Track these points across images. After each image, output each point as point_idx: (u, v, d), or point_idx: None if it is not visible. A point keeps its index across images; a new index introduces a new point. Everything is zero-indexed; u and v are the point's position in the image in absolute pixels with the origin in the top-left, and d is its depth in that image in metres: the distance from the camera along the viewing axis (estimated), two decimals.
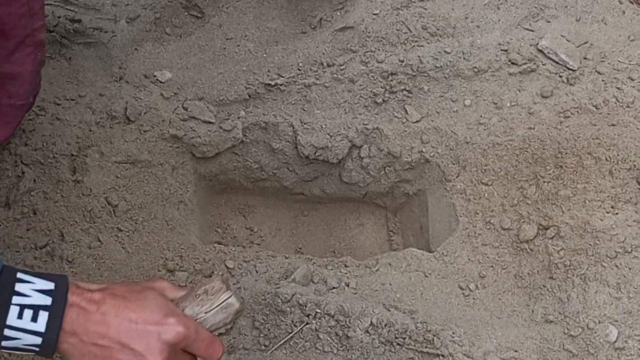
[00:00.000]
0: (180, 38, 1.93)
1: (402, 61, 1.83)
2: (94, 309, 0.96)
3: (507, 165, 1.72)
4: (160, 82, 1.82)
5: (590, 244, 1.56)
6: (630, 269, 1.53)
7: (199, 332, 1.01)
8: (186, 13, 1.96)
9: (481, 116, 1.79)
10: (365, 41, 1.86)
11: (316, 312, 1.49)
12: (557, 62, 1.84)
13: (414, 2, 1.91)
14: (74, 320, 0.95)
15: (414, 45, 1.86)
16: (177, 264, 1.57)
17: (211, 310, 1.04)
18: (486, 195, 1.71)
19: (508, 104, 1.80)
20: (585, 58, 1.84)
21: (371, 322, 1.48)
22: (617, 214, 1.60)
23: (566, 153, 1.68)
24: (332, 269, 1.62)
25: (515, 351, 1.48)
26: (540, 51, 1.85)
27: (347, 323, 1.48)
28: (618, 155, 1.66)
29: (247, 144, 1.83)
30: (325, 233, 2.00)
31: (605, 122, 1.73)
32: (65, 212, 1.59)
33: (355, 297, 1.54)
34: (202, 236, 1.77)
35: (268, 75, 1.83)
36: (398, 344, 1.47)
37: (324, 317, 1.48)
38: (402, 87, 1.82)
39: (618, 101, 1.77)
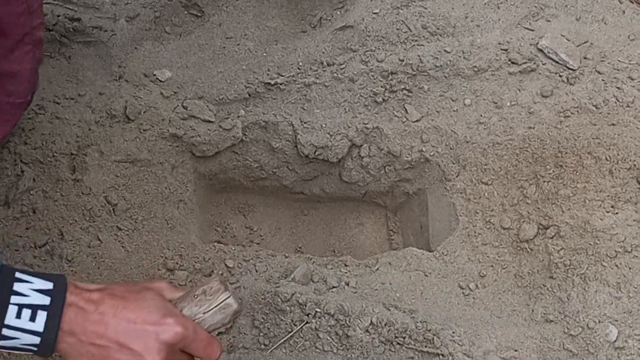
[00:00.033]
0: (180, 37, 1.92)
1: (402, 60, 1.83)
2: (93, 309, 0.96)
3: (507, 165, 1.72)
4: (160, 81, 1.82)
5: (590, 244, 1.56)
6: (630, 268, 1.53)
7: (197, 332, 1.01)
8: (186, 12, 1.96)
9: (481, 115, 1.79)
10: (365, 40, 1.86)
11: (316, 311, 1.49)
12: (557, 62, 1.84)
13: (414, 1, 1.91)
14: (72, 320, 0.95)
15: (414, 45, 1.86)
16: (177, 263, 1.57)
17: (209, 310, 1.05)
18: (486, 194, 1.71)
19: (508, 104, 1.80)
20: (585, 57, 1.84)
21: (371, 321, 1.48)
22: (617, 213, 1.60)
23: (566, 152, 1.68)
24: (332, 268, 1.62)
25: (515, 350, 1.48)
26: (540, 50, 1.85)
27: (347, 322, 1.48)
28: (618, 154, 1.66)
29: (247, 143, 1.83)
30: (325, 232, 2.00)
31: (605, 121, 1.73)
32: (65, 211, 1.59)
33: (355, 296, 1.54)
34: (202, 235, 1.77)
35: (268, 74, 1.83)
36: (398, 343, 1.47)
37: (324, 316, 1.48)
38: (402, 87, 1.82)
39: (618, 101, 1.77)
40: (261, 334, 1.48)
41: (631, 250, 1.54)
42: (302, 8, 2.00)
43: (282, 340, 1.48)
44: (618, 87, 1.79)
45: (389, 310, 1.52)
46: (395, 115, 1.81)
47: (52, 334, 0.94)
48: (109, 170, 1.65)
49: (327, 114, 1.81)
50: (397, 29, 1.86)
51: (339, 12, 1.95)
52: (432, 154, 1.79)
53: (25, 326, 0.93)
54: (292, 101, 1.83)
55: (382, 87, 1.82)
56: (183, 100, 1.78)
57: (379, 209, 2.02)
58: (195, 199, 1.77)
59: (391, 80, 1.82)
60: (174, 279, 1.54)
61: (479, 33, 1.87)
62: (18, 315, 0.93)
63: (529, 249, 1.61)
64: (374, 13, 1.89)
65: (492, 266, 1.63)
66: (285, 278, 1.57)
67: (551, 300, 1.54)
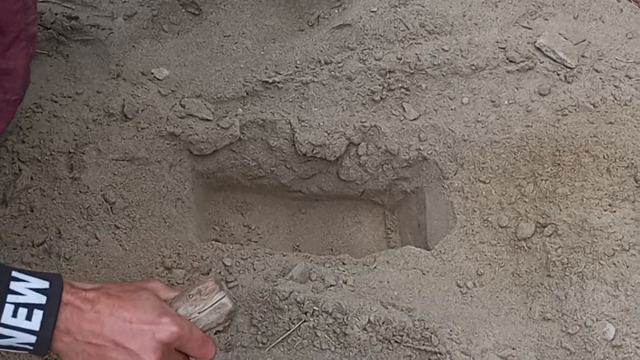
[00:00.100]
0: (178, 35, 1.92)
1: (400, 59, 1.83)
2: (89, 308, 0.96)
3: (505, 163, 1.72)
4: (158, 79, 1.82)
5: (587, 242, 1.56)
6: (627, 266, 1.53)
7: (192, 332, 1.01)
8: (183, 10, 1.96)
9: (479, 114, 1.79)
10: (362, 39, 1.86)
11: (314, 309, 1.49)
12: (554, 60, 1.84)
13: None
14: (68, 319, 0.95)
15: (412, 43, 1.86)
16: (175, 262, 1.57)
17: (204, 310, 1.05)
18: (484, 193, 1.71)
19: (506, 102, 1.80)
20: (582, 56, 1.84)
21: (369, 319, 1.48)
22: (614, 211, 1.60)
23: (564, 151, 1.68)
24: (329, 267, 1.62)
25: (513, 349, 1.48)
26: (538, 49, 1.85)
27: (345, 321, 1.48)
28: (616, 153, 1.66)
29: (245, 142, 1.83)
30: (323, 231, 2.00)
31: (603, 120, 1.73)
32: (63, 209, 1.59)
33: (353, 294, 1.54)
34: (200, 234, 1.77)
35: (266, 73, 1.83)
36: (396, 341, 1.47)
37: (322, 315, 1.49)
38: (400, 85, 1.82)
39: (616, 99, 1.77)
40: (259, 332, 1.48)
41: (629, 248, 1.54)
42: (299, 6, 2.00)
43: (280, 339, 1.48)
44: (616, 86, 1.79)
45: (387, 308, 1.52)
46: (393, 114, 1.81)
47: (48, 333, 0.94)
48: (107, 169, 1.65)
49: (325, 112, 1.81)
50: (395, 28, 1.86)
51: (336, 11, 1.95)
52: (429, 152, 1.79)
53: (22, 325, 0.93)
54: (290, 99, 1.83)
55: (379, 85, 1.82)
56: (181, 99, 1.78)
57: (377, 207, 2.02)
58: (193, 197, 1.77)
59: (389, 78, 1.82)
60: (172, 277, 1.54)
61: (477, 31, 1.87)
62: (14, 314, 0.93)
63: (526, 247, 1.61)
64: (372, 11, 1.88)
65: (489, 264, 1.63)
66: (283, 276, 1.57)
67: (549, 298, 1.54)
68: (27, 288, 0.94)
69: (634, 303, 1.49)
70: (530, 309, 1.55)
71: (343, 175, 1.88)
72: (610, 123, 1.72)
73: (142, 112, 1.73)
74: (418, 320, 1.49)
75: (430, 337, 1.48)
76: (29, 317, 0.93)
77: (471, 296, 1.59)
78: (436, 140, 1.79)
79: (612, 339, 1.47)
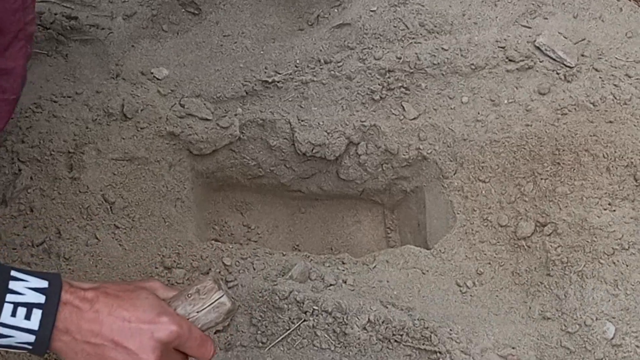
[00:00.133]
0: (177, 35, 1.92)
1: (400, 58, 1.83)
2: (87, 307, 0.96)
3: (505, 162, 1.72)
4: (157, 79, 1.82)
5: (587, 241, 1.56)
6: (627, 265, 1.53)
7: (191, 331, 1.01)
8: (183, 10, 1.96)
9: (478, 113, 1.79)
10: (362, 38, 1.86)
11: (313, 309, 1.49)
12: (554, 59, 1.84)
13: None
14: (67, 318, 0.95)
15: (411, 42, 1.85)
16: (175, 261, 1.57)
17: (203, 309, 1.05)
18: (483, 192, 1.71)
19: (505, 101, 1.80)
20: (582, 55, 1.84)
21: (368, 319, 1.48)
22: (614, 210, 1.59)
23: (563, 150, 1.68)
24: (329, 266, 1.62)
25: (513, 348, 1.48)
26: (538, 48, 1.85)
27: (345, 320, 1.48)
28: (615, 152, 1.65)
29: (245, 141, 1.83)
30: (323, 230, 2.00)
31: (603, 119, 1.73)
32: (62, 209, 1.59)
33: (353, 294, 1.54)
34: (200, 233, 1.77)
35: (265, 72, 1.83)
36: (395, 340, 1.47)
37: (322, 314, 1.48)
38: (400, 84, 1.82)
39: (615, 98, 1.77)
40: (259, 331, 1.48)
41: (628, 247, 1.54)
42: (299, 6, 2.00)
43: (280, 338, 1.48)
44: (615, 85, 1.79)
45: (387, 307, 1.52)
46: (393, 113, 1.81)
47: (47, 332, 0.94)
48: (107, 169, 1.65)
49: (325, 111, 1.81)
50: (395, 27, 1.86)
51: (336, 10, 1.95)
52: (429, 151, 1.79)
53: (21, 324, 0.93)
54: (290, 99, 1.83)
55: (379, 84, 1.82)
56: (180, 99, 1.78)
57: (377, 206, 2.02)
58: (192, 197, 1.77)
59: (388, 78, 1.82)
60: (172, 277, 1.54)
61: (477, 31, 1.87)
62: (13, 314, 0.93)
63: (526, 247, 1.61)
64: (371, 11, 1.88)
65: (489, 264, 1.63)
66: (282, 276, 1.57)
67: (548, 297, 1.54)
68: (26, 287, 0.94)
69: (634, 302, 1.49)
70: (530, 308, 1.55)
71: (343, 174, 1.88)
72: (610, 122, 1.72)
73: (141, 111, 1.73)
74: (418, 319, 1.49)
75: (430, 336, 1.47)
76: (27, 317, 0.93)
77: (471, 295, 1.59)
78: (436, 139, 1.79)
79: (612, 338, 1.47)
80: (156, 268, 1.55)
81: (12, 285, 0.94)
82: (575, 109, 1.76)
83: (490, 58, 1.83)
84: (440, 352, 1.46)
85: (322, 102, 1.82)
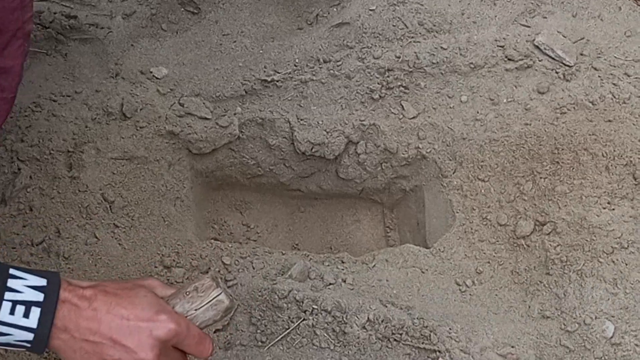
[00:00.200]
0: (177, 34, 1.92)
1: (399, 57, 1.83)
2: (86, 306, 0.96)
3: (504, 161, 1.72)
4: (157, 78, 1.82)
5: (586, 240, 1.56)
6: (626, 264, 1.53)
7: (190, 329, 1.01)
8: (182, 9, 1.96)
9: (477, 112, 1.79)
10: (361, 37, 1.86)
11: (313, 308, 1.49)
12: (553, 58, 1.84)
13: None
14: (65, 316, 0.95)
15: (411, 41, 1.85)
16: (174, 260, 1.57)
17: (201, 307, 1.05)
18: (483, 191, 1.71)
19: (504, 100, 1.80)
20: (581, 54, 1.84)
21: (368, 318, 1.48)
22: (613, 209, 1.59)
23: (562, 149, 1.68)
24: (328, 265, 1.62)
25: (512, 347, 1.48)
26: (537, 47, 1.85)
27: (344, 319, 1.48)
28: (614, 151, 1.65)
29: (244, 140, 1.83)
30: (322, 229, 2.00)
31: (602, 118, 1.73)
32: (62, 208, 1.59)
33: (352, 293, 1.54)
34: (199, 232, 1.77)
35: (264, 71, 1.83)
36: (395, 339, 1.47)
37: (321, 313, 1.48)
38: (399, 83, 1.82)
39: (614, 97, 1.77)
40: (258, 331, 1.48)
41: (627, 246, 1.54)
42: (298, 5, 2.00)
43: (279, 337, 1.48)
44: (614, 84, 1.79)
45: (386, 306, 1.52)
46: (392, 112, 1.81)
47: (45, 331, 0.94)
48: (106, 168, 1.65)
49: (324, 110, 1.81)
50: (394, 26, 1.86)
51: (335, 9, 1.95)
52: (428, 150, 1.79)
53: (19, 322, 0.93)
54: (289, 98, 1.83)
55: (378, 83, 1.82)
56: (180, 98, 1.78)
57: (376, 205, 2.02)
58: (192, 196, 1.77)
59: (387, 77, 1.82)
60: (171, 276, 1.54)
61: (476, 30, 1.87)
62: (12, 312, 0.93)
63: (525, 246, 1.61)
64: (370, 10, 1.88)
65: (488, 263, 1.63)
66: (282, 275, 1.57)
67: (548, 296, 1.54)
68: (25, 285, 0.94)
69: (633, 301, 1.49)
70: (530, 307, 1.55)
71: (342, 173, 1.88)
72: (609, 121, 1.72)
73: (141, 111, 1.73)
74: (417, 318, 1.49)
75: (430, 335, 1.47)
76: (26, 315, 0.93)
77: (470, 294, 1.59)
78: (435, 138, 1.79)
79: (611, 337, 1.47)
80: (156, 267, 1.55)
81: (11, 283, 0.94)
82: (574, 107, 1.76)
83: (490, 57, 1.83)
84: (439, 351, 1.46)
85: (321, 101, 1.82)
